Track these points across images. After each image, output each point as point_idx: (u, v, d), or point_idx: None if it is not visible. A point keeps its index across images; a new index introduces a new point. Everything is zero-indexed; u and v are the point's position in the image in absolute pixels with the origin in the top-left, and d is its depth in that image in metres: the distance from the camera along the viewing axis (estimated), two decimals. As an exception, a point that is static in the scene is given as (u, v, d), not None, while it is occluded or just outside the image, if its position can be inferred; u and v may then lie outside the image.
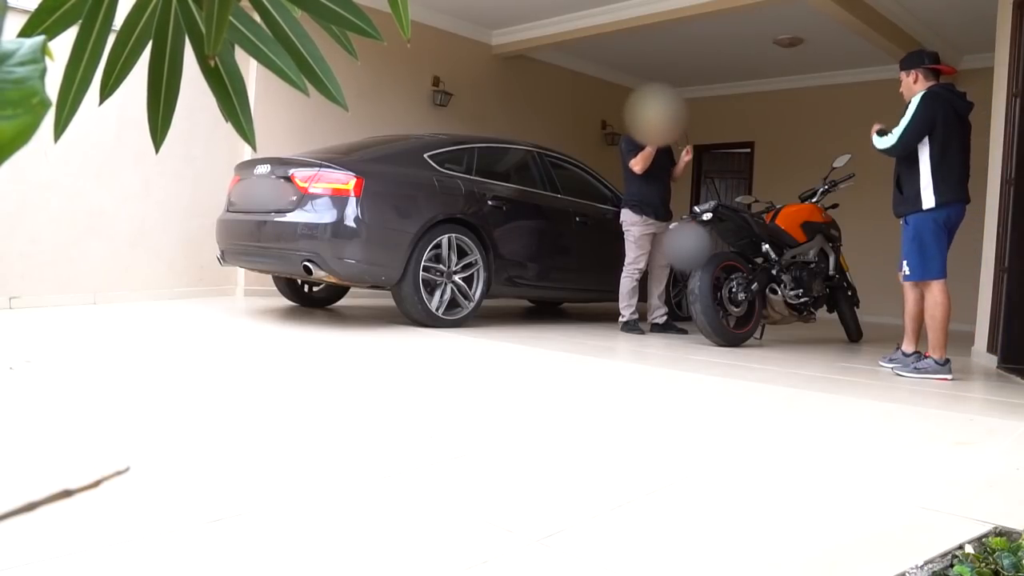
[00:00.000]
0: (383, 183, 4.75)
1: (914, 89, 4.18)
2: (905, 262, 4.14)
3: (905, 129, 4.02)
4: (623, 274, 5.53)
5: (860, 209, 7.29)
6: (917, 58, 4.25)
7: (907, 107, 4.10)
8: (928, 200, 4.01)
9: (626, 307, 5.52)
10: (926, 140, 3.99)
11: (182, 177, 5.92)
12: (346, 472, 1.89)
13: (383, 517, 1.58)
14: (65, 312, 4.85)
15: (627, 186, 5.55)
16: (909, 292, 4.24)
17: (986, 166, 5.18)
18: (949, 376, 4.02)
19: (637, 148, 5.36)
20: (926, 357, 4.12)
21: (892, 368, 4.21)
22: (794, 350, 5.04)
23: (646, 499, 1.77)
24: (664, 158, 5.52)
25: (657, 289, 5.67)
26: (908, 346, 4.29)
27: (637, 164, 5.37)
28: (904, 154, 4.07)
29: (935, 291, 4.05)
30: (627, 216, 5.51)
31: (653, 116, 4.93)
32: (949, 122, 4.01)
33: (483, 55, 8.13)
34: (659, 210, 5.52)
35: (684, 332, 5.50)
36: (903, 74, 4.27)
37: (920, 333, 4.27)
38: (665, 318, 5.64)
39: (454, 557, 1.38)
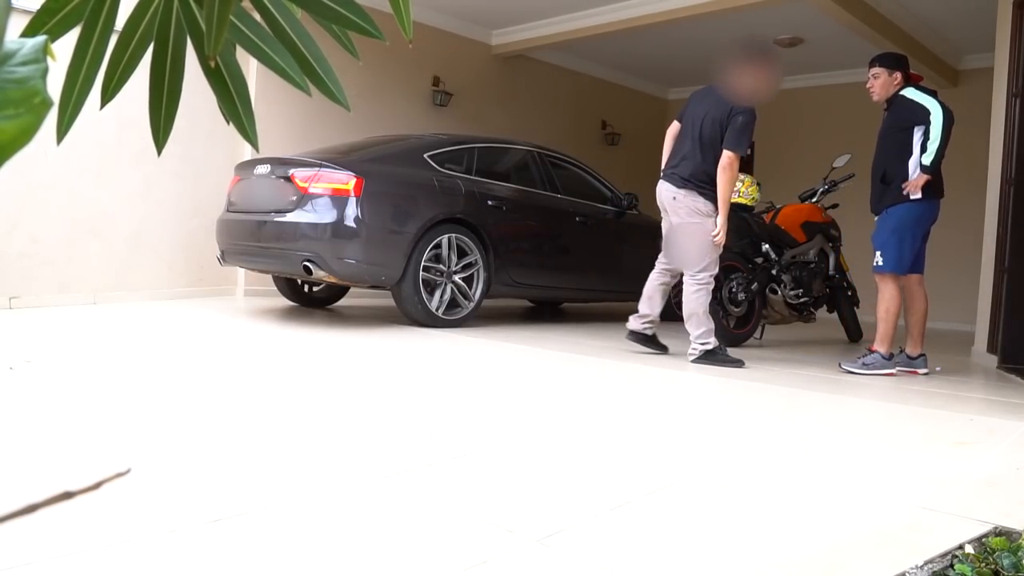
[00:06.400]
0: (383, 183, 4.75)
1: (892, 89, 4.19)
2: (880, 252, 4.09)
3: (944, 117, 3.94)
4: (698, 283, 4.13)
5: (860, 209, 7.29)
6: (903, 60, 4.26)
7: (906, 109, 4.07)
8: (915, 192, 4.02)
9: (706, 331, 4.12)
10: (920, 132, 3.99)
11: (182, 177, 5.92)
12: (346, 472, 1.89)
13: (383, 517, 1.58)
14: (65, 312, 4.85)
15: (711, 164, 4.08)
16: (892, 289, 4.16)
17: (986, 166, 5.18)
18: (895, 371, 4.09)
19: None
20: (872, 352, 4.14)
21: (847, 367, 4.15)
22: (794, 350, 5.04)
23: (646, 499, 1.77)
24: None
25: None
26: (913, 349, 4.26)
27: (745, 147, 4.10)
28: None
29: (912, 286, 4.11)
30: (708, 206, 4.11)
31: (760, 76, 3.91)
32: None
33: (483, 55, 8.13)
34: None
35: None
36: (883, 71, 4.21)
37: (923, 331, 4.25)
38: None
39: (454, 557, 1.38)
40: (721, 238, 4.08)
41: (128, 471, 0.52)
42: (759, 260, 5.17)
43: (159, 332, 4.37)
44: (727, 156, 4.00)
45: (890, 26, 6.54)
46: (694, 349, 4.14)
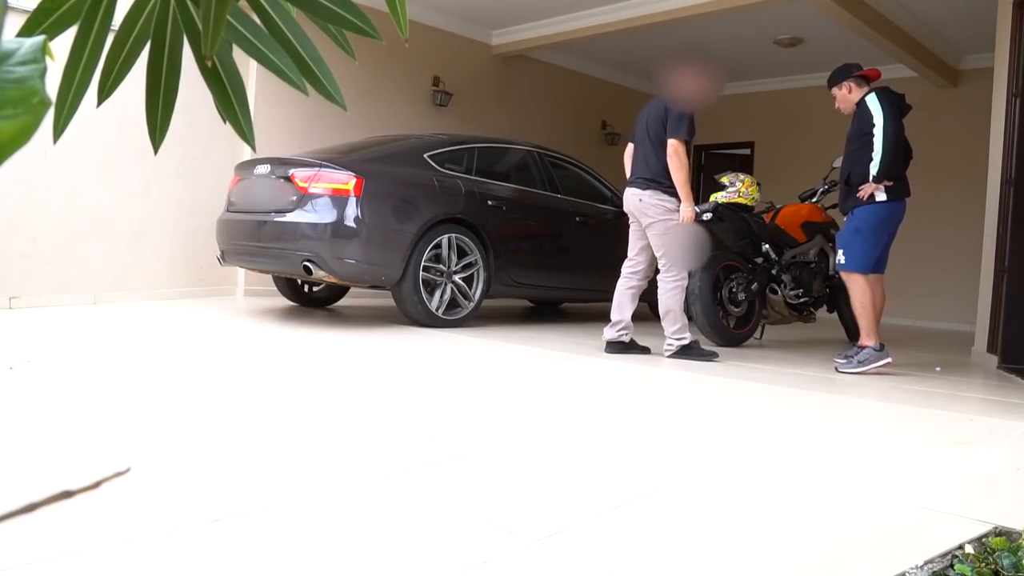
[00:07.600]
0: (383, 183, 4.75)
1: (851, 99, 4.24)
2: (841, 251, 4.21)
3: (885, 128, 3.97)
4: (673, 279, 4.30)
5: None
6: (844, 71, 4.31)
7: (864, 115, 4.10)
8: (879, 194, 4.05)
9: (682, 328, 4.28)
10: (880, 135, 4.00)
11: (182, 177, 5.92)
12: (346, 472, 1.89)
13: (383, 517, 1.58)
14: (65, 312, 4.85)
15: (661, 163, 4.25)
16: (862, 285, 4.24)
17: (986, 166, 5.18)
18: (890, 359, 4.10)
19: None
20: (863, 348, 4.14)
21: (844, 370, 4.13)
22: (794, 350, 5.04)
23: (646, 499, 1.77)
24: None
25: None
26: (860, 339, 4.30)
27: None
28: (897, 150, 4.02)
29: (872, 283, 4.15)
30: (673, 202, 4.26)
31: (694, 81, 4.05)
32: (897, 119, 4.06)
33: (483, 55, 8.13)
34: None
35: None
36: (835, 90, 4.34)
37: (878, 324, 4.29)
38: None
39: (454, 557, 1.38)
40: (688, 217, 4.23)
41: (128, 471, 0.52)
42: (759, 260, 5.17)
43: (159, 332, 4.37)
44: (671, 144, 4.18)
45: (890, 26, 6.54)
46: (670, 344, 4.29)
